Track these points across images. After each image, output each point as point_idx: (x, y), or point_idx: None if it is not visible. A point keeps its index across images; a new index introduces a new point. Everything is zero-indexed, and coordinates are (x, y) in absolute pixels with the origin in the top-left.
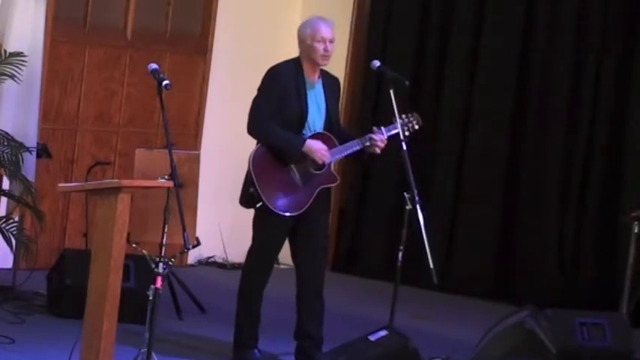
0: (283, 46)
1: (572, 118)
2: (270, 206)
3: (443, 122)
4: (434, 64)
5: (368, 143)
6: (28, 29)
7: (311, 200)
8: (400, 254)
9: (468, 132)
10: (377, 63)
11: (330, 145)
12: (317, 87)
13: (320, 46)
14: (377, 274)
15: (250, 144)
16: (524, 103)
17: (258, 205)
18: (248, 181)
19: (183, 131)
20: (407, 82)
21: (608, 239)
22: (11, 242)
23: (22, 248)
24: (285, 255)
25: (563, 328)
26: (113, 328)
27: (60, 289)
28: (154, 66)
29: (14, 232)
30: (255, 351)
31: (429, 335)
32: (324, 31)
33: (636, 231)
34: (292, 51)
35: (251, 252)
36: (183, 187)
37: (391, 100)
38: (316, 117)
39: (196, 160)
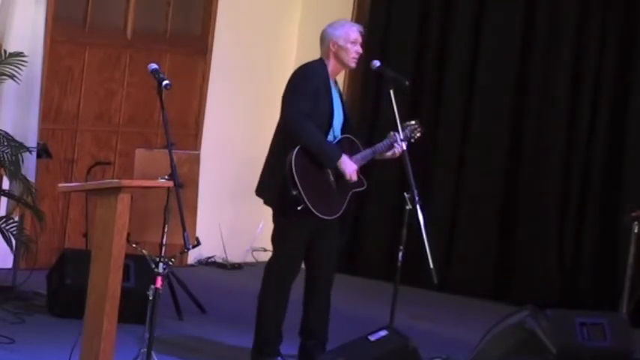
0: (283, 46)
1: (573, 118)
2: (312, 209)
3: (443, 122)
4: (434, 64)
5: (389, 150)
6: (28, 29)
7: (345, 203)
8: (400, 254)
9: (468, 132)
10: (377, 63)
11: (356, 149)
12: (336, 89)
13: (353, 48)
14: (377, 274)
15: (250, 144)
16: (525, 103)
17: (299, 208)
18: (287, 185)
19: (183, 131)
20: (407, 82)
21: (608, 239)
22: (11, 242)
23: (22, 248)
24: None
25: (563, 328)
26: (113, 328)
27: (60, 289)
28: (153, 66)
29: (14, 232)
30: (279, 359)
31: (429, 335)
32: (356, 34)
33: (636, 231)
34: (292, 51)
35: (276, 260)
36: (183, 187)
37: (391, 100)
38: (339, 119)
39: (196, 160)
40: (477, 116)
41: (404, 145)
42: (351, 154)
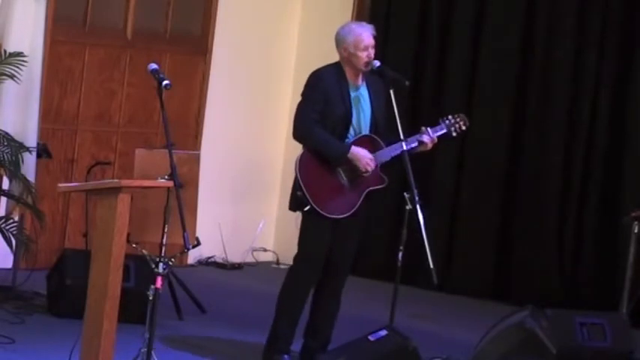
0: (283, 46)
1: (572, 118)
2: (317, 209)
3: None
4: (434, 64)
5: (415, 144)
6: (28, 29)
7: (359, 202)
8: (400, 254)
9: (468, 131)
10: (377, 63)
11: (376, 147)
12: (361, 90)
13: (364, 54)
14: (377, 274)
15: (250, 144)
16: (525, 103)
17: (306, 209)
18: (295, 185)
19: (184, 131)
20: (407, 82)
21: (608, 239)
22: (11, 242)
23: (22, 248)
24: (285, 255)
25: (563, 328)
26: (113, 328)
27: (60, 289)
28: (153, 66)
29: (14, 232)
30: (286, 356)
31: (429, 335)
32: (367, 39)
33: (636, 231)
34: (292, 51)
35: (298, 257)
36: (183, 187)
37: (391, 100)
38: (362, 120)
39: (196, 160)
40: (476, 116)
41: (433, 137)
42: (371, 152)
